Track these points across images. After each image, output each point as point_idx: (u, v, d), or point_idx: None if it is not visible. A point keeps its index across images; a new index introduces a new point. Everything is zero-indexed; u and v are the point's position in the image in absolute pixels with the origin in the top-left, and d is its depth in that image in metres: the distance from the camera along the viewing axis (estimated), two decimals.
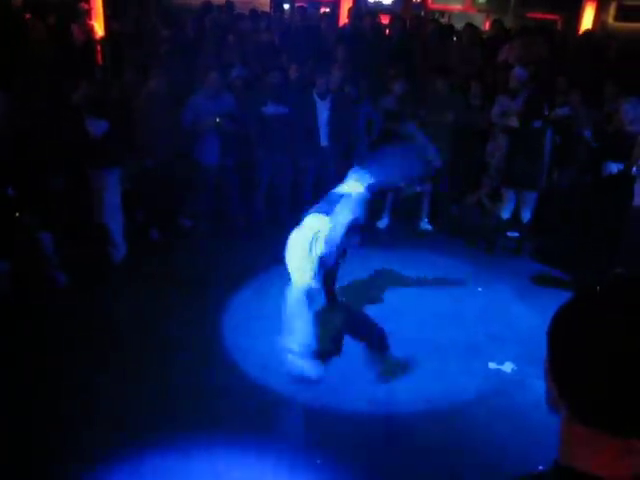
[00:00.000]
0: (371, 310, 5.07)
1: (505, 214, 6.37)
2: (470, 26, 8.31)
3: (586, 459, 0.94)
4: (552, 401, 0.99)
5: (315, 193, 6.92)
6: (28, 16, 7.82)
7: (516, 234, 6.62)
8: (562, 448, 0.99)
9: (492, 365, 4.40)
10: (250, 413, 3.81)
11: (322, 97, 6.64)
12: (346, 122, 6.80)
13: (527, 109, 6.12)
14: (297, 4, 10.28)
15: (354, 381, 4.14)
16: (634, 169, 5.36)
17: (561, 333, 0.96)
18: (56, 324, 4.69)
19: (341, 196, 3.75)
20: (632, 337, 0.87)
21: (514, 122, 6.25)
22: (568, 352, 0.93)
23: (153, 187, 6.06)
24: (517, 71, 6.78)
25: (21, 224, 4.90)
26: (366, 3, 11.18)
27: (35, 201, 4.95)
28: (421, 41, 8.19)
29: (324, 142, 6.76)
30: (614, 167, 5.77)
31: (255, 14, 8.67)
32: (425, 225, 6.96)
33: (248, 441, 3.56)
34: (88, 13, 8.35)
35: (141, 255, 5.84)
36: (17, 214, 4.85)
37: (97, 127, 5.33)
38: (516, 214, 6.55)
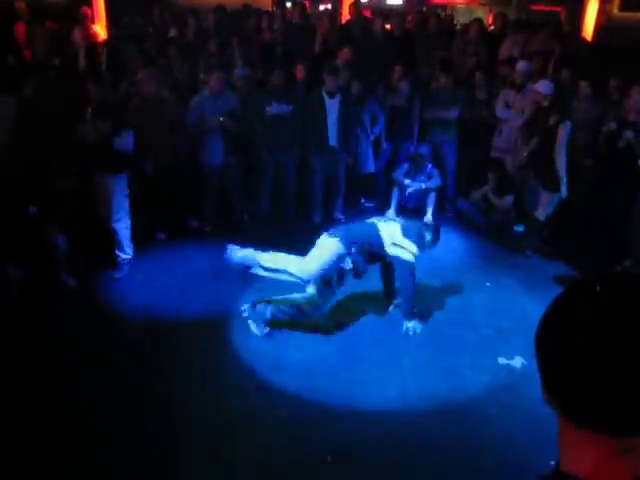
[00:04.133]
0: (378, 307, 5.09)
1: (542, 217, 6.06)
2: (478, 21, 8.31)
3: (583, 463, 0.92)
4: (548, 402, 0.98)
5: (325, 192, 6.95)
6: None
7: (521, 228, 6.58)
8: (560, 451, 0.98)
9: (502, 360, 4.38)
10: (261, 412, 3.82)
11: (331, 95, 6.54)
12: (353, 119, 6.77)
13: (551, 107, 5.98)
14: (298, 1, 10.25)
15: (365, 379, 4.15)
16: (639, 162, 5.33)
17: (545, 336, 0.94)
18: (67, 327, 4.71)
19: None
20: (614, 335, 0.85)
21: None
22: (553, 354, 0.92)
23: (158, 189, 6.07)
24: (521, 65, 6.74)
25: (40, 233, 4.92)
26: None
27: (53, 207, 4.96)
28: (424, 37, 8.16)
29: (332, 141, 6.63)
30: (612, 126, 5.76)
31: (257, 13, 8.66)
32: None
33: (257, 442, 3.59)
34: (90, 17, 8.37)
35: (148, 256, 5.86)
36: (42, 227, 4.86)
37: (126, 141, 5.30)
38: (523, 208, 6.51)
